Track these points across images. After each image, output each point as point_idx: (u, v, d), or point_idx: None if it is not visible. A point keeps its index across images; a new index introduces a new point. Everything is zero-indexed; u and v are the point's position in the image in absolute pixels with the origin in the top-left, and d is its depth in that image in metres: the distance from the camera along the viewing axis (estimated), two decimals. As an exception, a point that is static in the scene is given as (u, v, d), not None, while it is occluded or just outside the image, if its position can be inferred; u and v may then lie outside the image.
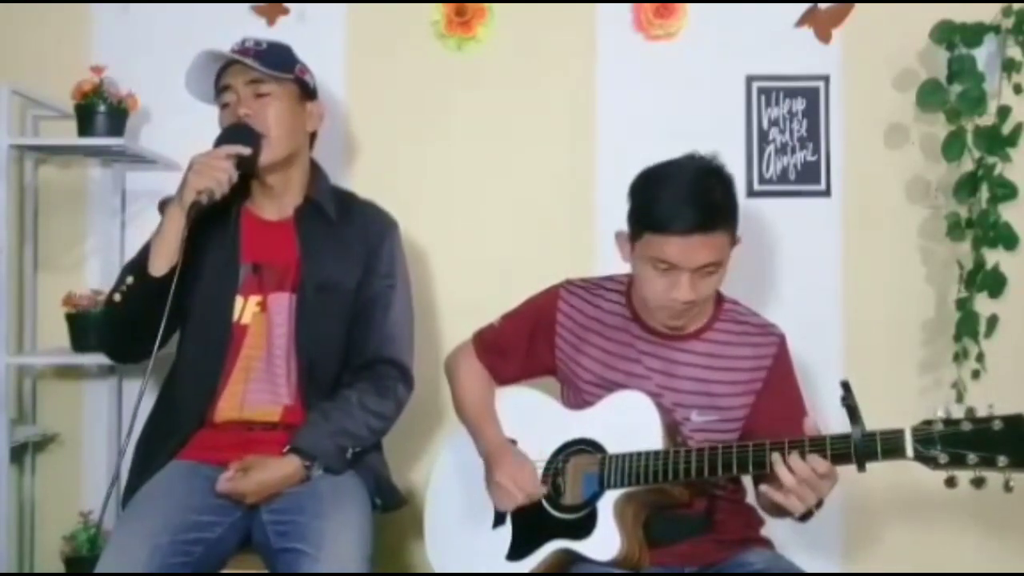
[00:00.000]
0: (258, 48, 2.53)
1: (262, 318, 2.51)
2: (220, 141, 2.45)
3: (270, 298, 2.52)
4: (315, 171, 2.65)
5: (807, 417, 2.11)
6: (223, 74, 2.54)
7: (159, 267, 2.38)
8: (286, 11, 3.17)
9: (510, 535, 2.37)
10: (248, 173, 2.50)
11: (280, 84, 2.53)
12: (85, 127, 2.95)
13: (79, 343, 2.94)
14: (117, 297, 2.43)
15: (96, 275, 3.12)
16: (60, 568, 3.00)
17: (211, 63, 2.53)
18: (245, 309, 2.51)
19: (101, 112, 2.94)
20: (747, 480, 2.35)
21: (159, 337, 2.24)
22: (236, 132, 2.47)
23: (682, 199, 2.18)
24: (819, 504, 2.13)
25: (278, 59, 2.55)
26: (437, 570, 2.46)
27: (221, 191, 2.38)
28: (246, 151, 2.43)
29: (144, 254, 2.44)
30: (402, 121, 3.16)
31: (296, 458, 2.40)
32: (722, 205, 2.21)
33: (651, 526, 2.28)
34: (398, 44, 3.17)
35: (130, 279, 2.42)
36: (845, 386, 2.01)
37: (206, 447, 2.47)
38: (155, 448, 2.49)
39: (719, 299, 2.38)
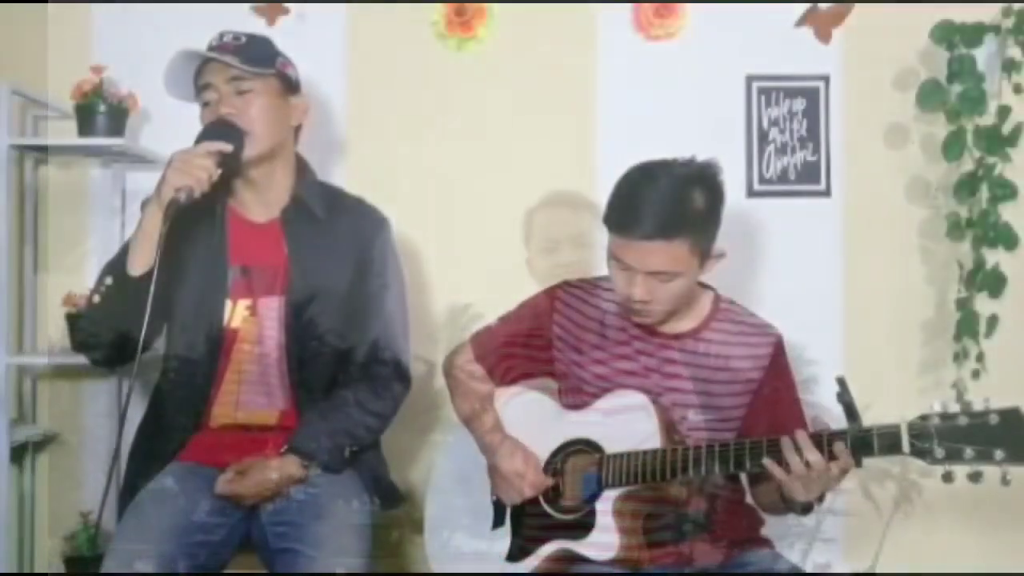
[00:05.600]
0: (237, 43, 2.46)
1: (252, 322, 2.48)
2: (201, 138, 2.38)
3: (260, 302, 2.48)
4: (301, 167, 2.58)
5: (805, 415, 2.11)
6: (202, 71, 2.45)
7: (137, 266, 2.33)
8: (286, 11, 3.17)
9: (509, 535, 2.37)
10: (231, 171, 2.43)
11: (262, 80, 2.45)
12: (85, 127, 2.95)
13: (79, 343, 2.93)
14: (96, 298, 2.39)
15: (96, 275, 3.12)
16: (60, 568, 3.00)
17: (189, 62, 2.46)
18: (234, 313, 2.47)
19: (101, 112, 2.94)
20: (745, 480, 2.36)
21: (143, 339, 2.19)
22: (218, 129, 2.40)
23: (644, 204, 2.18)
24: (821, 498, 2.13)
25: (258, 53, 2.47)
26: (436, 570, 2.46)
27: (201, 189, 2.29)
28: (228, 148, 2.36)
29: (123, 254, 2.38)
30: (402, 121, 3.16)
31: (294, 458, 2.39)
32: (689, 216, 2.18)
33: (650, 526, 2.28)
34: (398, 44, 3.16)
35: (108, 279, 2.37)
36: (841, 382, 2.02)
37: (204, 449, 2.46)
38: (151, 450, 2.47)
39: (716, 299, 2.38)
